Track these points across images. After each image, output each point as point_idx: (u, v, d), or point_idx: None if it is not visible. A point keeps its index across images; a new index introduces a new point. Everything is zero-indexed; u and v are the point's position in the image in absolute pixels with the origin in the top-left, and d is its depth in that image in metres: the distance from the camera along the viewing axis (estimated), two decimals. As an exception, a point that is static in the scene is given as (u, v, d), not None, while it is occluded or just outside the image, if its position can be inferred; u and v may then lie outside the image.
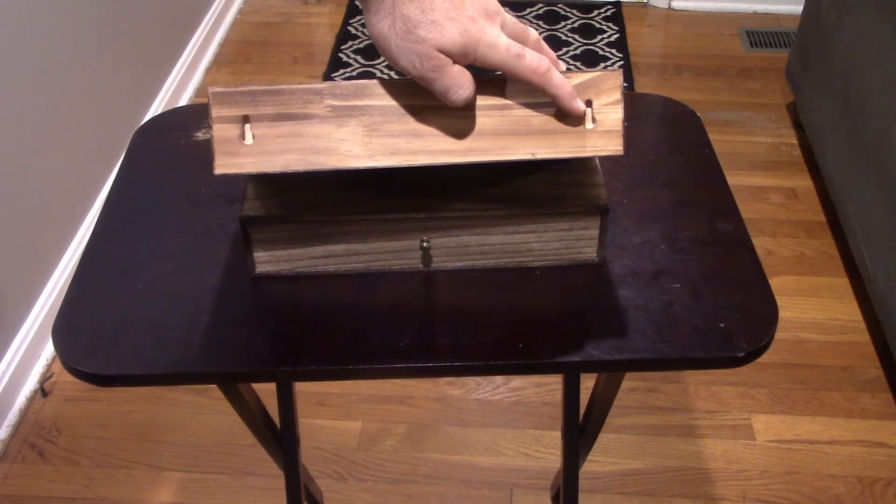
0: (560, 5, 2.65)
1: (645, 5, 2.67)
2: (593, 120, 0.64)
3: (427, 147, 0.64)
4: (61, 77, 1.64)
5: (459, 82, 0.60)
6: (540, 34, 2.70)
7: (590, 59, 2.39)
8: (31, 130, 1.54)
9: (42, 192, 1.58)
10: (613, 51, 2.44)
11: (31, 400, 1.53)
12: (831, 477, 1.41)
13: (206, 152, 0.84)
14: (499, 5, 0.61)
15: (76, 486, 1.40)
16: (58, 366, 1.58)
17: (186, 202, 0.79)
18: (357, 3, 0.61)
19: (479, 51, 0.59)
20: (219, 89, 0.62)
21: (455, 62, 0.59)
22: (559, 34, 2.51)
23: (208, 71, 2.39)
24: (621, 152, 0.65)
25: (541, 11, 2.62)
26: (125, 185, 0.82)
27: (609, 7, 2.64)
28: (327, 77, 2.35)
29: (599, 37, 2.50)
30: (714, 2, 2.65)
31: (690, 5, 2.66)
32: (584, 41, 2.48)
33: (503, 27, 0.60)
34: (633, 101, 0.94)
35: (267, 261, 0.70)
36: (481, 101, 0.62)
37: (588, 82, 0.63)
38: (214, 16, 2.48)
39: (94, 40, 1.77)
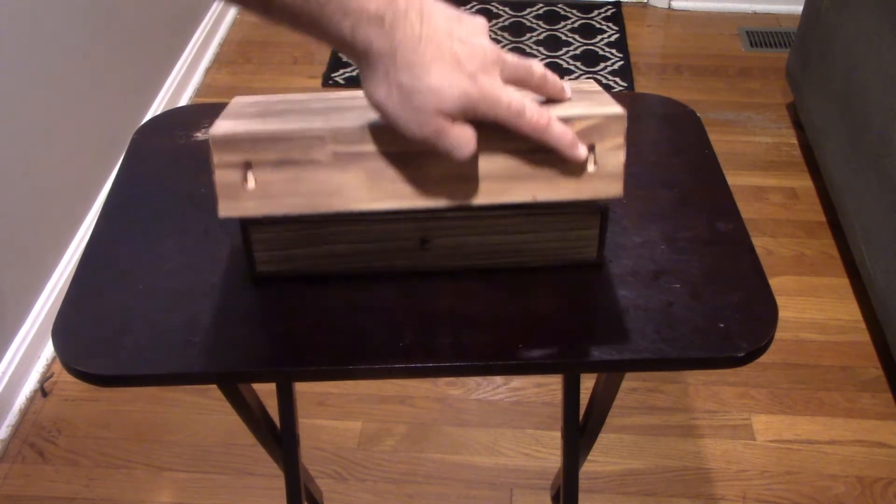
0: (560, 5, 2.65)
1: (645, 5, 2.67)
2: (595, 163, 0.64)
3: (429, 191, 0.64)
4: (61, 77, 1.64)
5: (461, 141, 0.58)
6: (539, 34, 2.68)
7: (590, 59, 2.39)
8: (31, 130, 1.54)
9: (42, 192, 1.58)
10: (613, 51, 2.44)
11: (31, 400, 1.53)
12: (831, 477, 1.41)
13: (205, 152, 0.84)
14: (497, 50, 0.59)
15: (76, 486, 1.40)
16: (58, 366, 1.58)
17: (186, 202, 0.79)
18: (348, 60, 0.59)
19: (479, 109, 0.57)
20: (219, 134, 0.61)
21: (455, 121, 0.58)
22: (559, 34, 2.51)
23: (208, 71, 2.39)
24: (621, 196, 0.65)
25: (541, 11, 2.62)
26: (125, 185, 0.82)
27: (609, 7, 2.64)
28: (327, 77, 2.35)
29: (599, 37, 2.50)
30: (714, 2, 2.64)
31: (690, 5, 2.66)
32: (584, 41, 2.48)
33: (503, 71, 0.59)
34: (633, 101, 0.94)
35: (267, 261, 0.70)
36: (482, 145, 0.61)
37: (592, 128, 0.63)
38: (214, 16, 2.48)
39: (94, 40, 1.77)
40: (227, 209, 0.64)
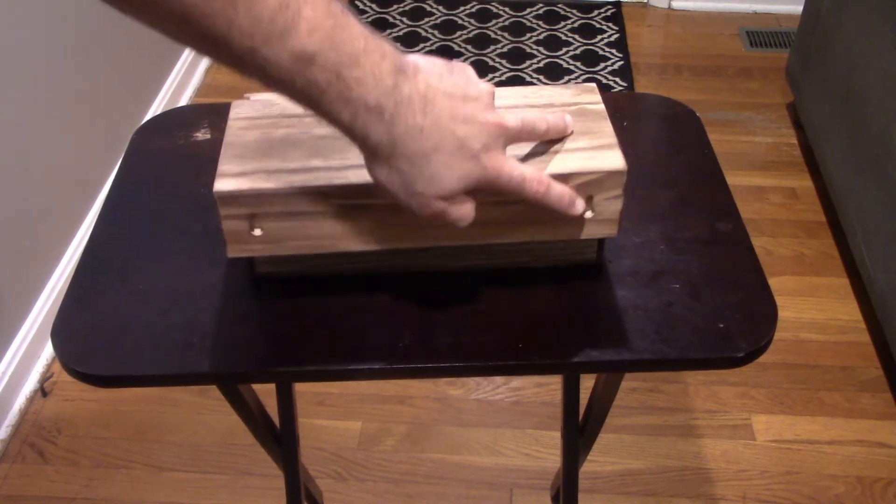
0: (560, 5, 2.65)
1: (645, 5, 2.67)
2: (592, 210, 0.65)
3: (430, 235, 0.65)
4: (61, 77, 1.64)
5: (460, 216, 0.59)
6: (539, 34, 2.67)
7: (590, 59, 2.39)
8: (31, 130, 1.54)
9: (42, 192, 1.58)
10: (613, 51, 2.44)
11: (31, 400, 1.53)
12: (831, 477, 1.41)
13: (205, 152, 0.84)
14: (501, 122, 0.57)
15: (76, 486, 1.40)
16: (58, 366, 1.58)
17: (186, 202, 0.79)
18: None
19: (480, 186, 0.58)
20: (224, 190, 0.62)
21: (456, 199, 0.58)
22: (559, 34, 2.51)
23: (208, 71, 2.39)
24: (615, 235, 0.67)
25: (541, 11, 2.62)
26: (124, 185, 0.82)
27: (609, 7, 2.64)
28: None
29: (599, 37, 2.50)
30: (714, 2, 2.64)
31: (690, 5, 2.66)
32: (584, 41, 2.48)
33: (508, 140, 0.58)
34: (633, 101, 0.94)
35: (266, 261, 0.70)
36: (483, 198, 0.61)
37: (593, 182, 0.63)
38: (214, 16, 2.48)
39: (94, 40, 1.77)
40: (236, 251, 0.66)
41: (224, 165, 0.63)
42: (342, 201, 0.63)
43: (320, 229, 0.64)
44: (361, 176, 0.61)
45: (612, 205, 0.64)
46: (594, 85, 0.72)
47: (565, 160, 0.63)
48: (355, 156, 0.62)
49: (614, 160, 0.63)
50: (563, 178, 0.62)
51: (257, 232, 0.64)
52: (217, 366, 0.65)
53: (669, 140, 0.86)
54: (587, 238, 0.67)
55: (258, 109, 0.69)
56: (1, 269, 1.46)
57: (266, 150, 0.65)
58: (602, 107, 0.69)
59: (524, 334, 0.66)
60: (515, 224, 0.65)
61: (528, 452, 1.45)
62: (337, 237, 0.65)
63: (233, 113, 0.69)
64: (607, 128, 0.66)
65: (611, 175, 0.63)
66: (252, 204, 0.62)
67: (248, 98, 0.71)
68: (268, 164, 0.63)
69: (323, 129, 0.66)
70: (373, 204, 0.63)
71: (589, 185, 0.63)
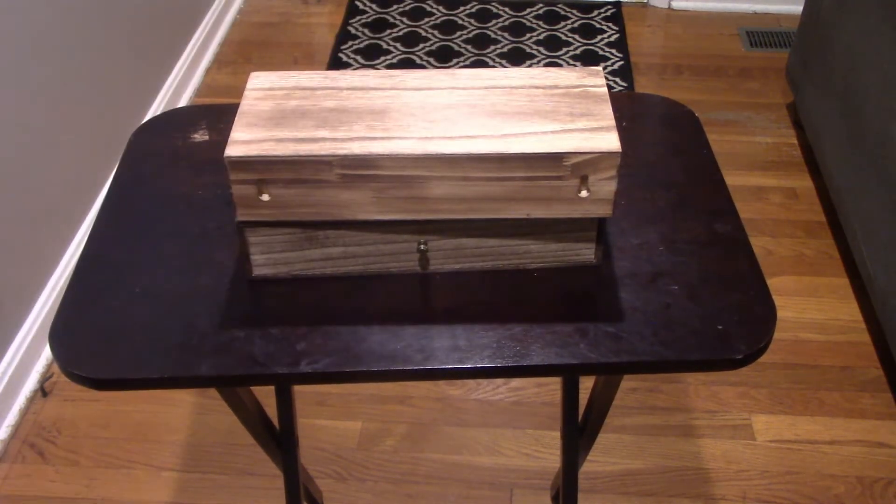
0: (560, 5, 2.65)
1: (645, 5, 2.67)
2: (588, 190, 0.66)
3: (430, 207, 0.67)
4: (61, 77, 1.64)
5: None
6: (539, 34, 2.67)
7: (590, 59, 2.39)
8: (32, 130, 1.54)
9: (42, 193, 1.58)
10: (613, 51, 2.44)
11: (31, 400, 1.53)
12: (831, 477, 1.41)
13: (203, 153, 0.84)
14: None
15: (76, 486, 1.40)
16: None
17: (183, 204, 0.79)
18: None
19: None
20: (235, 156, 0.64)
21: None
22: (559, 34, 2.51)
23: (208, 71, 2.39)
24: (610, 215, 0.68)
25: (541, 11, 2.62)
26: (122, 186, 0.82)
27: (609, 7, 2.64)
28: (327, 77, 2.35)
29: (599, 37, 2.50)
30: (714, 2, 2.64)
31: (690, 5, 2.65)
32: (584, 41, 2.48)
33: None
34: (633, 102, 0.94)
35: (264, 264, 0.70)
36: (482, 173, 0.64)
37: (588, 162, 0.65)
38: (214, 16, 2.48)
39: (94, 40, 1.77)
40: (245, 215, 0.68)
41: (236, 133, 0.66)
42: (345, 171, 0.65)
43: (325, 197, 0.66)
44: (364, 147, 0.64)
45: (606, 185, 0.66)
46: (599, 69, 0.73)
47: (562, 140, 0.65)
48: (360, 128, 0.65)
49: (610, 142, 0.65)
50: (558, 157, 0.64)
51: (265, 197, 0.66)
52: (214, 369, 0.65)
53: (668, 141, 0.86)
54: (583, 217, 0.68)
55: (273, 81, 0.71)
56: (1, 270, 1.46)
57: (277, 119, 0.67)
58: (604, 90, 0.70)
59: (523, 336, 0.66)
60: (512, 200, 0.67)
61: (528, 452, 1.45)
62: (340, 205, 0.67)
63: (250, 83, 0.72)
64: (607, 111, 0.68)
65: (605, 156, 0.65)
66: (260, 170, 0.65)
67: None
68: (277, 132, 0.66)
69: (331, 101, 0.69)
70: (373, 175, 0.65)
71: (584, 164, 0.65)
